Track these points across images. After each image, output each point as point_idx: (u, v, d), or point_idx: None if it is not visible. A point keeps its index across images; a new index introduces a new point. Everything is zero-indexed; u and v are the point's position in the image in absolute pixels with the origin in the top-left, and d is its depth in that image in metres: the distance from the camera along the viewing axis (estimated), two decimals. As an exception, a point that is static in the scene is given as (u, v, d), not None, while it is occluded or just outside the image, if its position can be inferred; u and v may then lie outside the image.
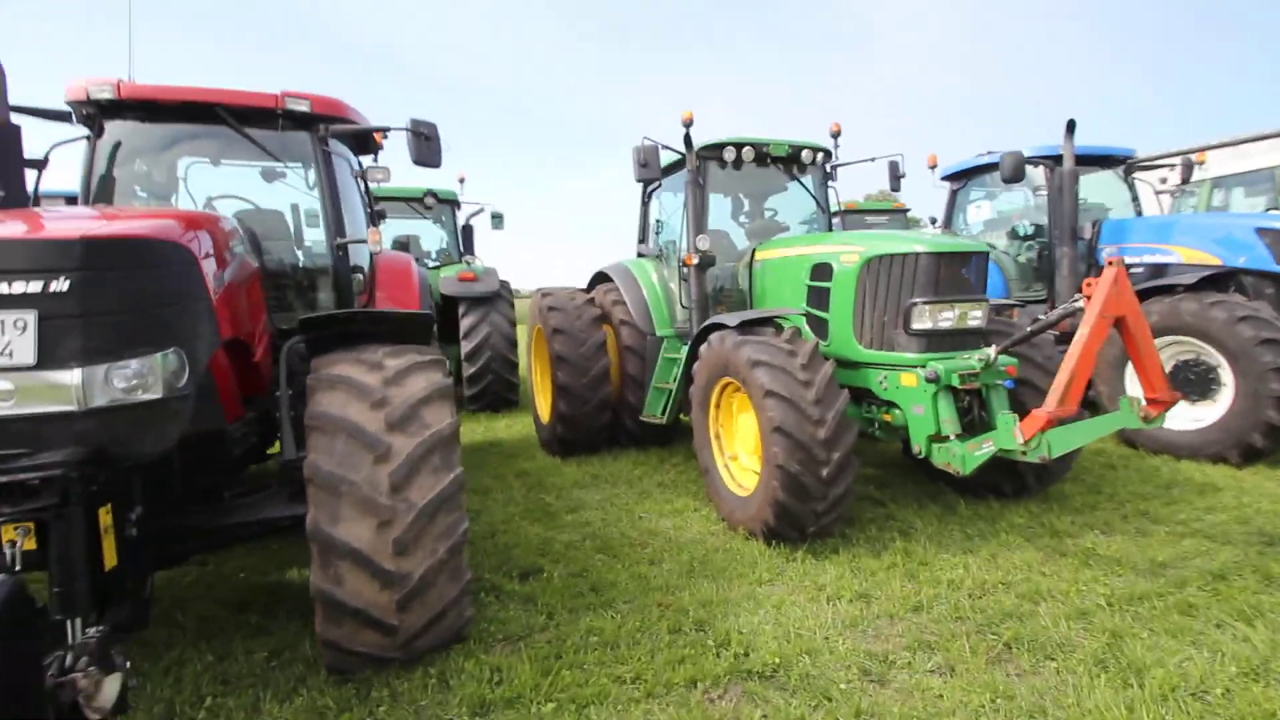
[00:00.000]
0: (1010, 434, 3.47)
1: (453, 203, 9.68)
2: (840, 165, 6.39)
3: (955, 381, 3.87)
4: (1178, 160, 7.83)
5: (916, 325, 4.08)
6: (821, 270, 4.76)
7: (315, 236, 4.59)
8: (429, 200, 9.29)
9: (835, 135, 6.33)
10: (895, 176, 6.34)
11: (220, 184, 4.38)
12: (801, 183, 6.15)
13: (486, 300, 8.63)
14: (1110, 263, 3.23)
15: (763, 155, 5.81)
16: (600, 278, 6.94)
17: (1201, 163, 9.68)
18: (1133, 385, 5.92)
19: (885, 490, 5.08)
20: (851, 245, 4.56)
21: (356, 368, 2.88)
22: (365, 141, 4.99)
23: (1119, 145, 7.58)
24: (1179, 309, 5.53)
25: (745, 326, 4.29)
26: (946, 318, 4.07)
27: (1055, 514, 4.44)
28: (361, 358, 2.95)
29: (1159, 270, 6.51)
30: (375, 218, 6.22)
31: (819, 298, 4.79)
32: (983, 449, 3.65)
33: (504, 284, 9.24)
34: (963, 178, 8.26)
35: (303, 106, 3.93)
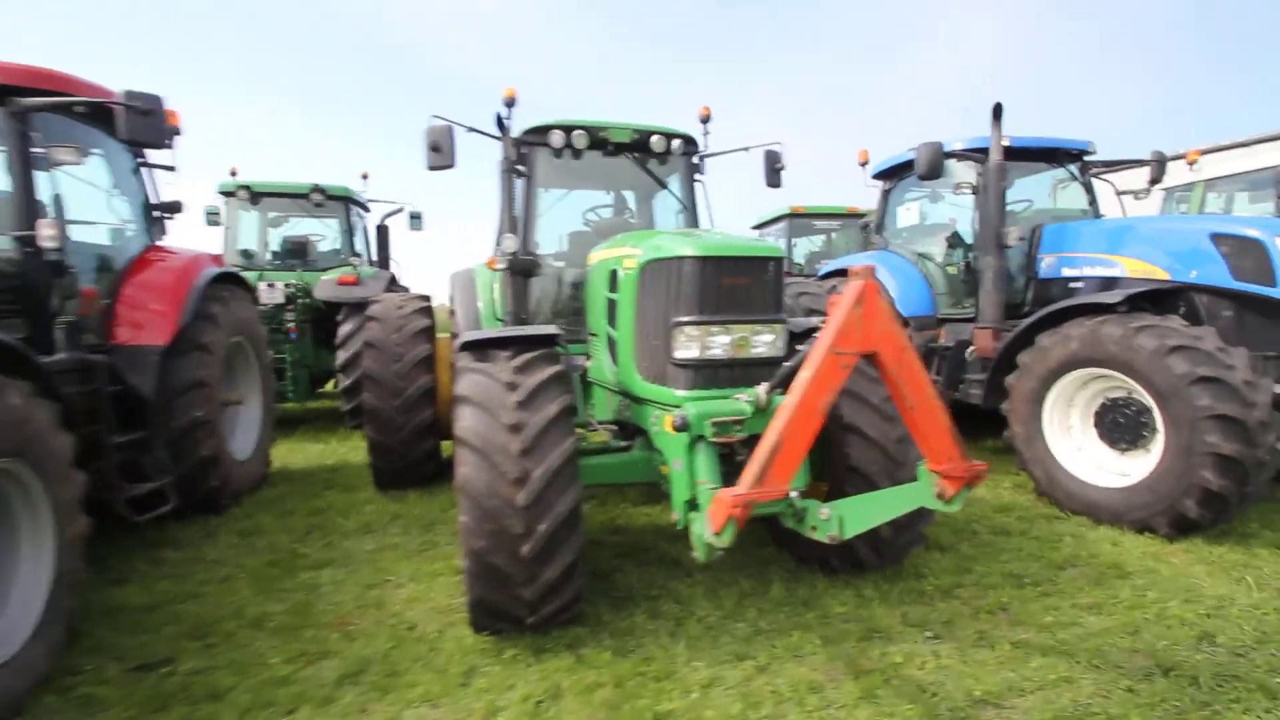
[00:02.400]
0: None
1: (347, 200, 8.90)
2: (709, 155, 5.42)
3: (707, 431, 2.84)
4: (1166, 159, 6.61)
5: (680, 353, 3.06)
6: (614, 279, 3.79)
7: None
8: (315, 197, 8.53)
9: (705, 120, 5.34)
10: (772, 169, 5.32)
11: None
12: (654, 175, 5.16)
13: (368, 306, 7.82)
14: (855, 274, 2.20)
15: (601, 141, 4.86)
16: None
17: (1193, 163, 8.40)
18: (1056, 421, 4.79)
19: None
20: (636, 248, 3.56)
21: None
22: (148, 128, 4.13)
23: (1074, 138, 6.41)
24: (1100, 335, 4.38)
25: (477, 347, 3.31)
26: (718, 344, 3.04)
27: (887, 604, 3.37)
28: None
29: (1108, 284, 5.33)
30: (160, 210, 5.48)
31: (612, 312, 3.82)
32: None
33: (401, 289, 8.45)
34: (893, 175, 7.15)
35: None
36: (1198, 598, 3.37)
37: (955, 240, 6.69)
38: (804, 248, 10.46)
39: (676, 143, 4.99)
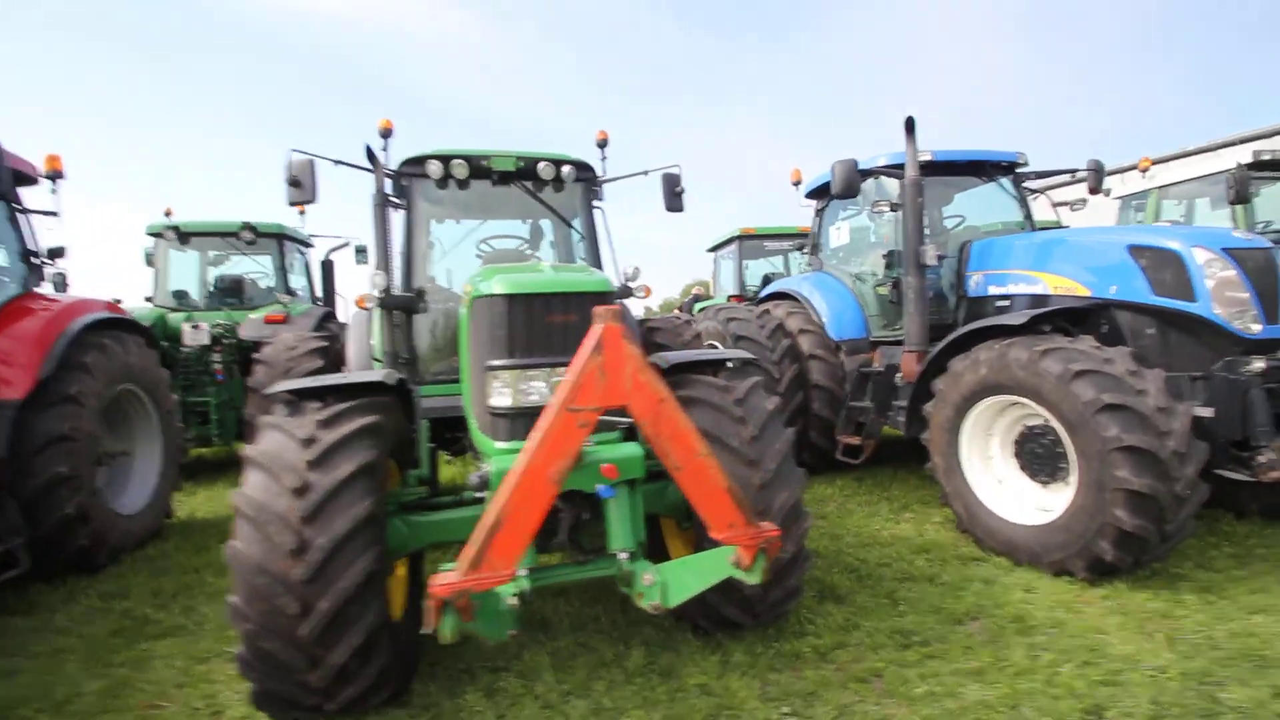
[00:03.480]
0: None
1: (281, 236, 8.72)
2: (608, 181, 5.17)
3: None
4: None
5: (494, 401, 2.76)
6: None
7: None
8: (245, 235, 8.34)
9: (602, 145, 5.12)
10: (671, 192, 5.07)
11: None
12: (546, 204, 4.90)
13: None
14: (598, 316, 1.90)
15: (482, 170, 4.62)
16: None
17: (1145, 170, 8.12)
18: (975, 451, 4.44)
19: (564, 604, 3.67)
20: (471, 284, 3.27)
21: None
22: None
23: (1005, 150, 6.13)
24: (1007, 359, 4.05)
25: (293, 397, 3.00)
26: (536, 390, 2.74)
27: (751, 672, 3.00)
28: None
29: (1039, 302, 5.00)
30: (41, 257, 5.28)
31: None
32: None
33: (337, 327, 8.21)
34: (825, 194, 6.88)
35: None
36: (1100, 658, 2.98)
37: (891, 259, 6.40)
38: (757, 270, 10.18)
39: (567, 169, 4.73)
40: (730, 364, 3.70)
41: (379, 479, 2.78)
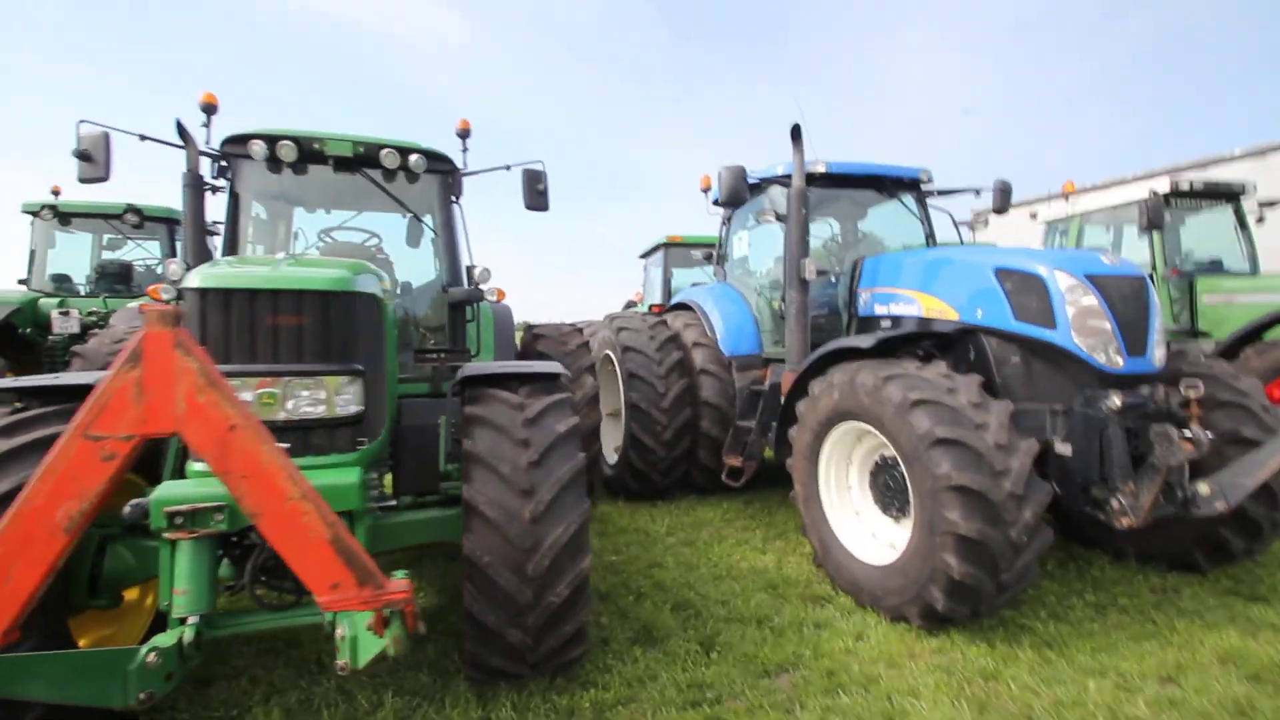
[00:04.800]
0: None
1: (171, 221, 8.22)
2: (468, 174, 4.80)
3: (160, 523, 2.12)
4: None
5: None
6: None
7: None
8: (130, 218, 7.83)
9: (463, 135, 4.75)
10: (533, 190, 4.71)
11: None
12: (393, 195, 4.50)
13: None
14: (148, 317, 1.53)
15: (315, 155, 4.23)
16: None
17: (1069, 195, 7.94)
18: (834, 480, 4.10)
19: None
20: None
21: None
22: None
23: (908, 166, 5.86)
24: (855, 384, 3.73)
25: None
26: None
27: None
28: None
29: (924, 323, 4.69)
30: None
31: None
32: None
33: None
34: (734, 202, 6.55)
35: None
36: (906, 723, 2.65)
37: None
38: (685, 278, 9.84)
39: (415, 159, 4.34)
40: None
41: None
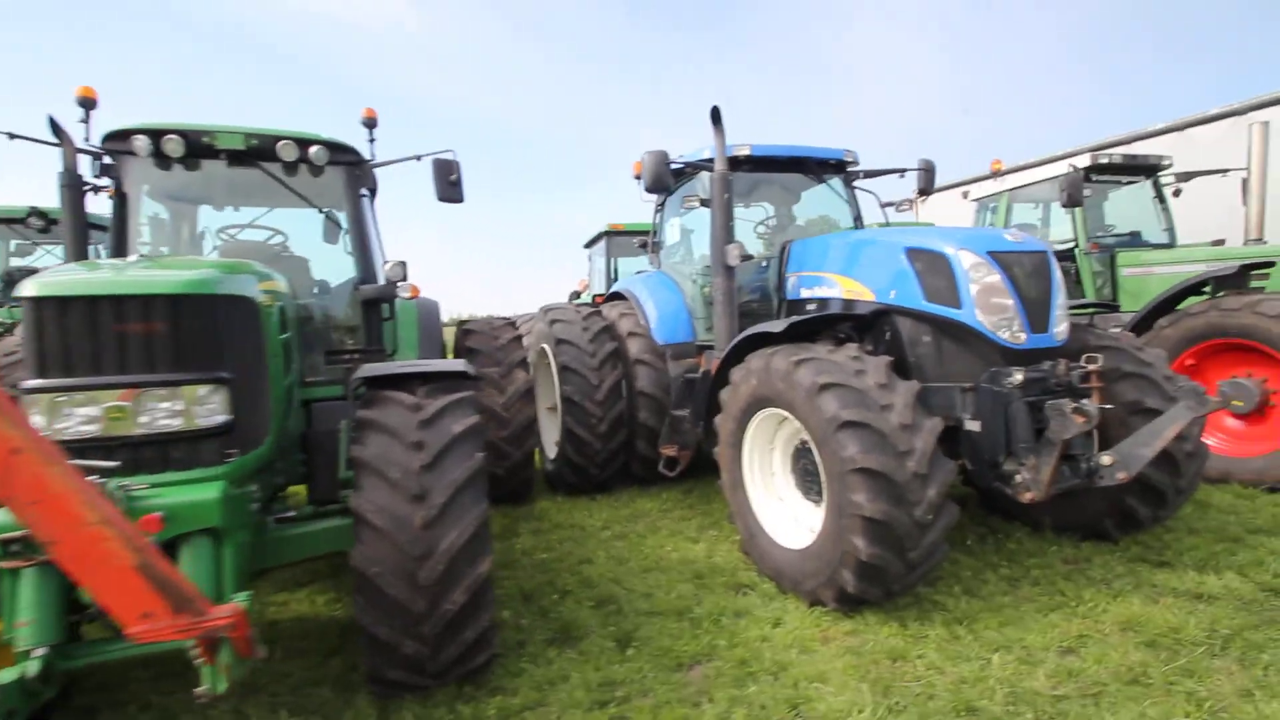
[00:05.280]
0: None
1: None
2: (377, 165, 4.63)
3: None
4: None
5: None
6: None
7: None
8: (33, 222, 7.38)
9: (369, 124, 4.58)
10: (445, 180, 4.55)
11: None
12: (295, 190, 4.31)
13: None
14: None
15: (205, 149, 4.02)
16: None
17: (997, 172, 8.07)
18: (758, 466, 4.08)
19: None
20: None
21: None
22: None
23: (833, 147, 5.86)
24: (770, 369, 3.71)
25: None
26: (79, 416, 2.20)
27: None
28: None
29: (848, 306, 4.70)
30: None
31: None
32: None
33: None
34: (657, 188, 6.47)
35: None
36: (798, 718, 2.64)
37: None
38: (629, 267, 9.75)
39: (316, 150, 4.15)
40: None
41: None
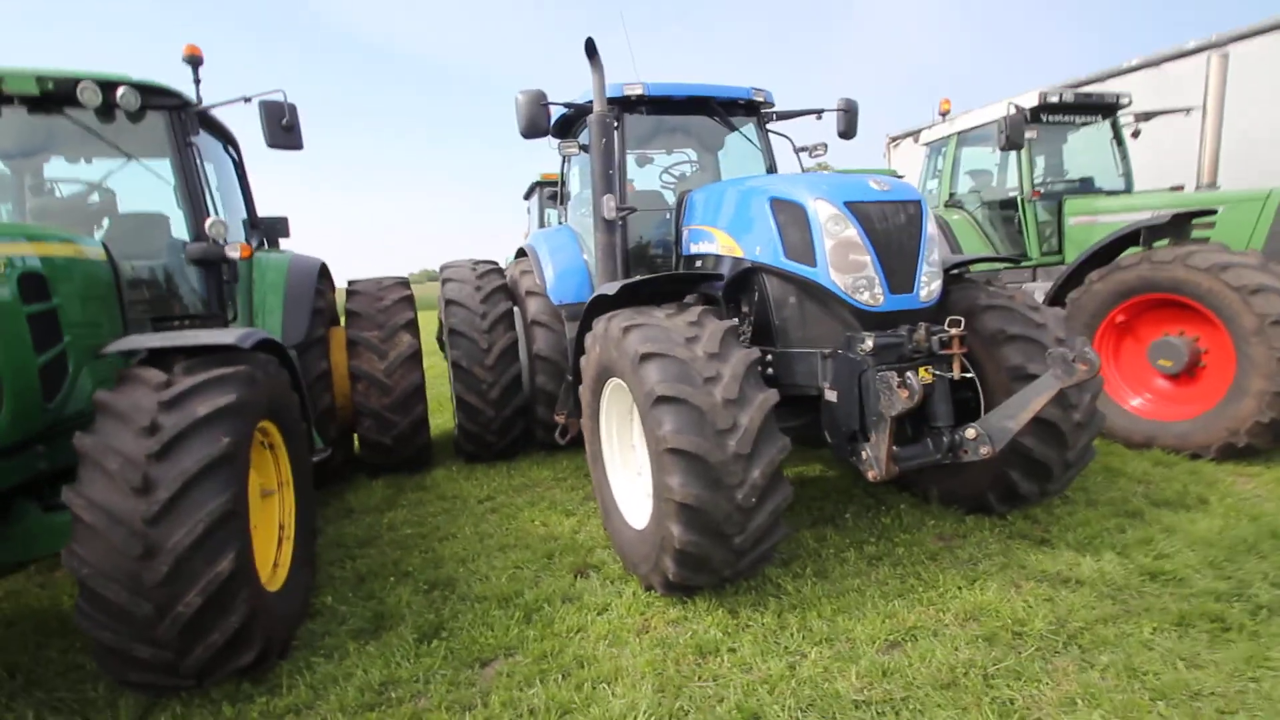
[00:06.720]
0: None
1: None
2: (205, 109, 4.20)
3: None
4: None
5: None
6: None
7: None
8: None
9: (193, 63, 4.12)
10: (276, 126, 4.12)
11: None
12: (101, 135, 3.91)
13: None
14: None
15: (-2, 94, 3.61)
16: None
17: (945, 114, 7.51)
18: (616, 438, 3.78)
19: None
20: None
21: None
22: None
23: (739, 86, 5.34)
24: (609, 334, 3.36)
25: None
26: None
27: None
28: None
29: (736, 265, 4.29)
30: None
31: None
32: None
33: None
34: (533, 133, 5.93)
35: None
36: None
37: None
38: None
39: (124, 92, 3.73)
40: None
41: None
